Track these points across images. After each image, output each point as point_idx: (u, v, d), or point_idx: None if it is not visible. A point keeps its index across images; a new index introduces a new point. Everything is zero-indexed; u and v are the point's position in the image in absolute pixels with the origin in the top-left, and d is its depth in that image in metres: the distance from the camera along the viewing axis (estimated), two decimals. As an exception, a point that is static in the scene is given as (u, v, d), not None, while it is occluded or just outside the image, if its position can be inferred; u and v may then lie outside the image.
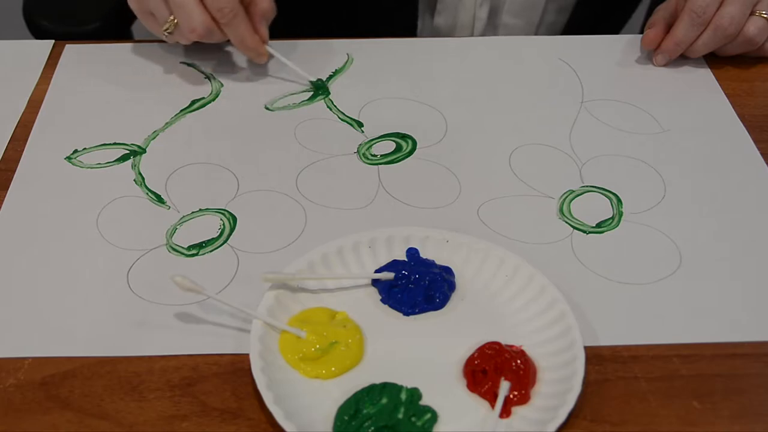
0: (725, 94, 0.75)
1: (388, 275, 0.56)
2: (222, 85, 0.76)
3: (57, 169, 0.67)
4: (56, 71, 0.77)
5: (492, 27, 0.89)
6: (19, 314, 0.56)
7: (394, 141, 0.70)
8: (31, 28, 0.91)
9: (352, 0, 0.87)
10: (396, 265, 0.57)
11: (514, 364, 0.51)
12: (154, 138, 0.70)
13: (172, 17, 0.69)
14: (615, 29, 0.98)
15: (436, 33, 0.90)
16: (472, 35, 0.88)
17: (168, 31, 0.70)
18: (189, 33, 0.68)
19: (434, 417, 0.49)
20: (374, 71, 0.78)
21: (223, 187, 0.65)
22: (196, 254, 0.60)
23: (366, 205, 0.64)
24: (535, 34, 0.89)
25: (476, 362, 0.52)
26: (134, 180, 0.66)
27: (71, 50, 0.79)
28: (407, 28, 0.88)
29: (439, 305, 0.56)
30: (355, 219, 0.63)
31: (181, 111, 0.73)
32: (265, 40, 0.73)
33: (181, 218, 0.63)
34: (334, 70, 0.78)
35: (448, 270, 0.57)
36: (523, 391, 0.50)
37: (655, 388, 0.52)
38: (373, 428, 0.48)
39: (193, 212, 0.63)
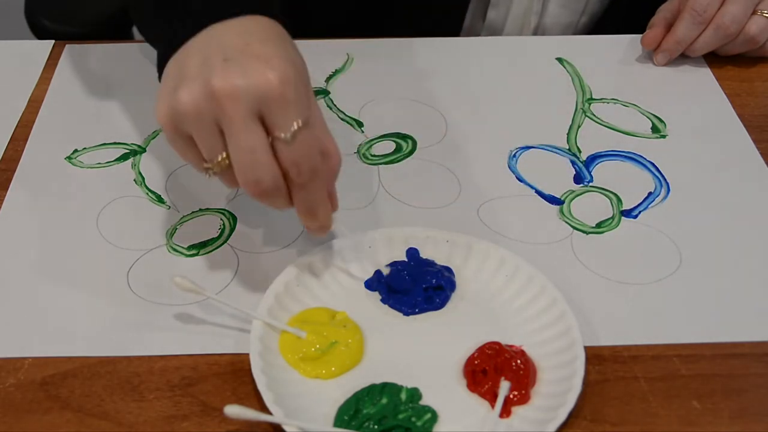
0: (725, 94, 0.75)
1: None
2: (222, 85, 0.76)
3: (57, 169, 0.67)
4: (56, 71, 0.77)
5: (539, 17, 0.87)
6: (19, 314, 0.56)
7: (394, 141, 0.70)
8: (33, 27, 0.91)
9: None
10: (396, 265, 0.57)
11: (514, 364, 0.51)
12: (154, 138, 0.70)
13: (224, 155, 0.50)
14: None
15: (487, 27, 0.87)
16: (522, 27, 0.86)
17: (212, 171, 0.51)
18: (250, 185, 0.50)
19: (434, 417, 0.49)
20: (374, 71, 0.77)
21: (223, 187, 0.65)
22: (196, 254, 0.60)
23: (366, 205, 0.64)
24: (577, 24, 0.88)
25: (476, 362, 0.52)
26: (134, 180, 0.66)
27: (71, 50, 0.79)
28: (453, 23, 0.86)
29: (439, 305, 0.56)
30: (355, 219, 0.63)
31: (181, 111, 0.73)
32: (336, 208, 0.56)
33: (181, 218, 0.63)
34: (334, 70, 0.78)
35: (448, 270, 0.57)
36: (523, 391, 0.50)
37: (655, 388, 0.52)
38: (373, 428, 0.48)
39: (193, 212, 0.63)
